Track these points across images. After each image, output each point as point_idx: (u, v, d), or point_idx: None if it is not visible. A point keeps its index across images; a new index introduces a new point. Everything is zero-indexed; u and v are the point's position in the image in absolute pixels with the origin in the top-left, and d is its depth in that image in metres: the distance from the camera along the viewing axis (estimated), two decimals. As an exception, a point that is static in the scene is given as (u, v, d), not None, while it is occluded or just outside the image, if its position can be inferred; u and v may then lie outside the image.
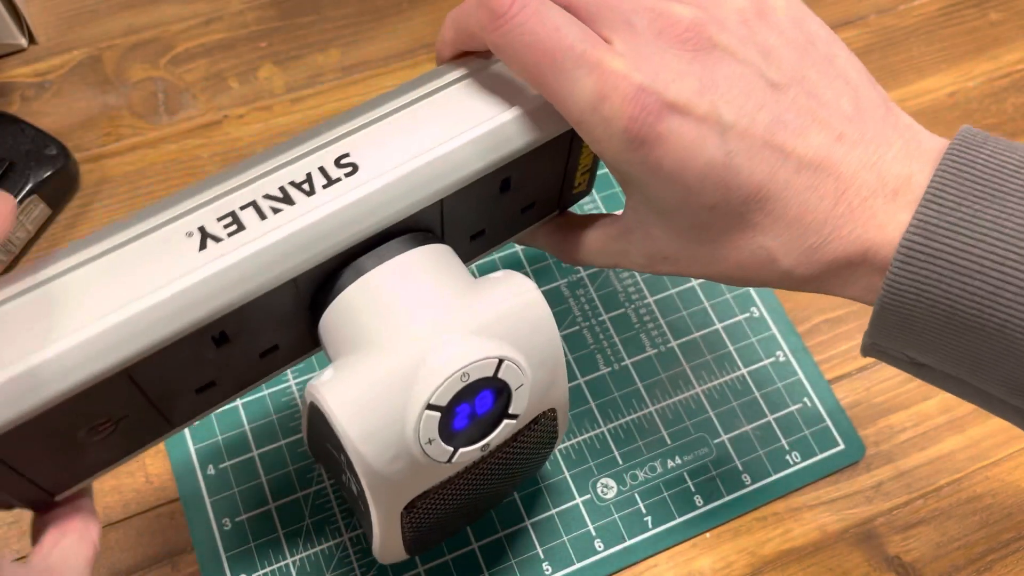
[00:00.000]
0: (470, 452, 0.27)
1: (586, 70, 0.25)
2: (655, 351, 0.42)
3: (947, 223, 0.23)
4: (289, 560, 0.37)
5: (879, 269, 0.24)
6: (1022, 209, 0.23)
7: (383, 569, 0.37)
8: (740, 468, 0.40)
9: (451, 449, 0.27)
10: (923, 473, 0.40)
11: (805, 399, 0.41)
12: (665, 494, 0.39)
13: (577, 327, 0.43)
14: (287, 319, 0.28)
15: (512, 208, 0.31)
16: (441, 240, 0.29)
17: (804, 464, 0.40)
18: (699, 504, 0.39)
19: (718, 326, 0.43)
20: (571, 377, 0.41)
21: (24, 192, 0.42)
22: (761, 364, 0.42)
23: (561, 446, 0.40)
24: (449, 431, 0.27)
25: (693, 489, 0.39)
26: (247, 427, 0.39)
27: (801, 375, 0.42)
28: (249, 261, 0.25)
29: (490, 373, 0.26)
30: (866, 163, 0.24)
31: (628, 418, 0.41)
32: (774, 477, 0.40)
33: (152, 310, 0.24)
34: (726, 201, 0.25)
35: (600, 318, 0.43)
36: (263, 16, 0.51)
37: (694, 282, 0.44)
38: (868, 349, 0.27)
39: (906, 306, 0.24)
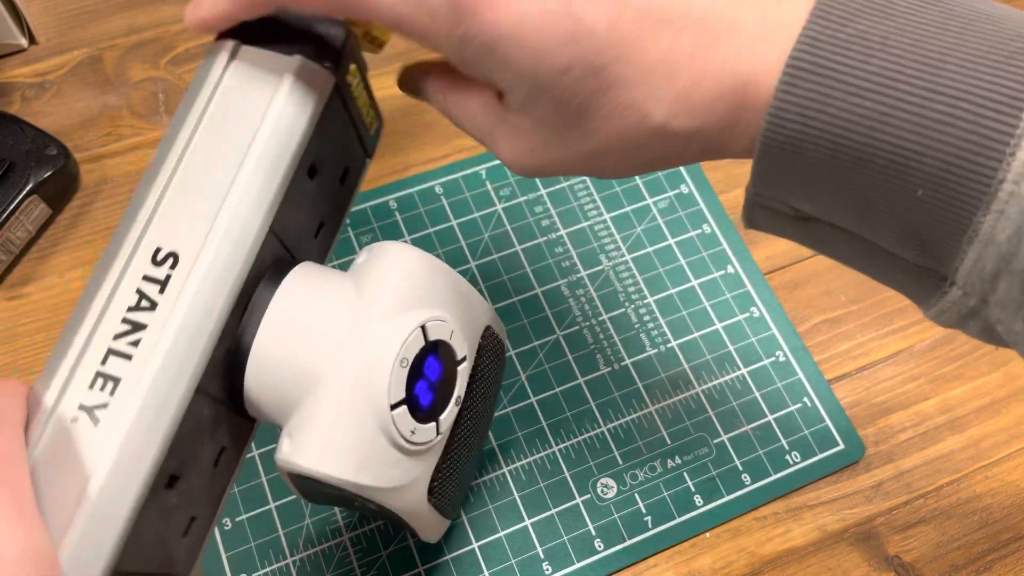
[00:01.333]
0: (449, 414, 0.28)
1: None
2: (655, 351, 0.42)
3: (835, 39, 0.21)
4: (289, 560, 0.37)
5: (763, 110, 0.22)
6: (913, 24, 0.21)
7: (383, 569, 0.37)
8: (740, 468, 0.40)
9: (433, 424, 0.27)
10: (923, 473, 0.40)
11: (805, 399, 0.41)
12: (665, 494, 0.39)
13: (577, 327, 0.43)
14: (217, 423, 0.26)
15: (331, 187, 0.30)
16: (292, 258, 0.28)
17: (804, 464, 0.40)
18: (699, 504, 0.39)
19: (718, 326, 0.43)
20: (571, 377, 0.41)
21: (24, 192, 0.42)
22: (761, 364, 0.42)
23: (561, 445, 0.40)
24: (421, 412, 0.27)
25: (693, 489, 0.39)
26: (247, 427, 0.40)
27: (801, 375, 0.42)
28: (146, 406, 0.23)
29: (422, 343, 0.26)
30: None
31: (628, 418, 0.41)
32: (774, 477, 0.40)
33: (96, 509, 0.22)
34: (579, 58, 0.23)
35: (600, 318, 0.43)
36: (263, 16, 0.51)
37: (694, 281, 0.44)
38: (751, 210, 0.25)
39: (792, 139, 0.22)
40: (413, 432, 0.26)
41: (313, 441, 0.25)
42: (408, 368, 0.26)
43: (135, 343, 0.23)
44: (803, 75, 0.21)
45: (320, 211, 0.30)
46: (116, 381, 0.23)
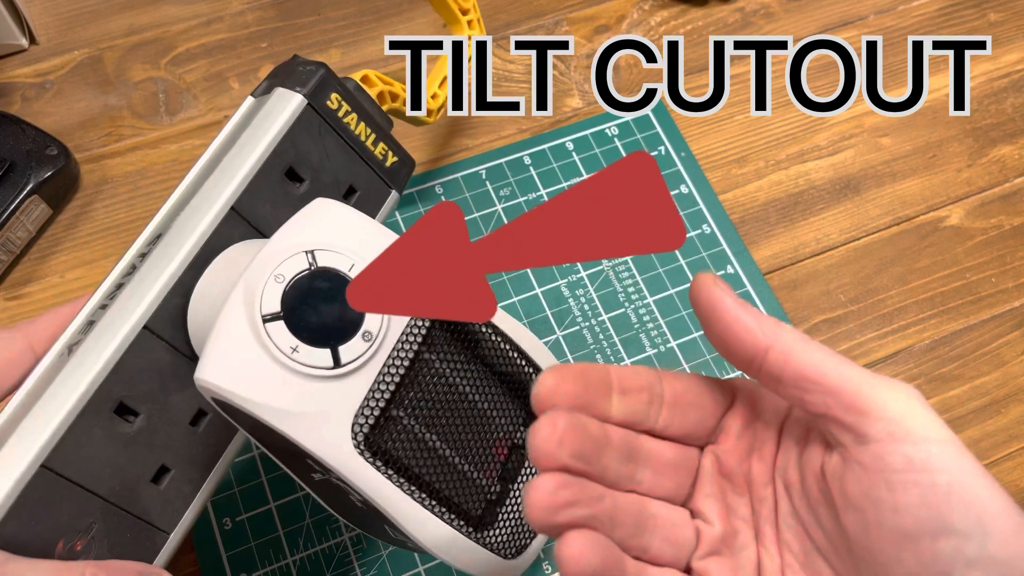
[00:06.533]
0: (354, 346, 0.27)
1: None
2: (655, 351, 0.42)
3: None
4: (289, 560, 0.37)
5: None
6: None
7: (383, 569, 0.37)
8: (740, 468, 0.40)
9: (328, 351, 0.27)
10: (923, 473, 0.40)
11: (805, 399, 0.41)
12: (665, 494, 0.39)
13: (577, 327, 0.43)
14: (180, 376, 0.30)
15: (328, 196, 0.32)
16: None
17: (804, 464, 0.40)
18: (699, 504, 0.39)
19: (718, 326, 0.43)
20: (571, 377, 0.41)
21: (25, 192, 0.42)
22: (761, 364, 0.42)
23: (561, 446, 0.40)
24: (308, 333, 0.27)
25: (693, 489, 0.39)
26: (247, 427, 0.40)
27: (801, 375, 0.42)
28: (97, 335, 0.28)
29: (306, 265, 0.27)
30: None
31: (628, 418, 0.41)
32: (774, 477, 0.40)
33: (40, 409, 0.27)
34: None
35: (600, 318, 0.43)
36: (264, 17, 0.51)
37: (694, 282, 0.44)
38: None
39: None
40: (295, 350, 0.26)
41: (207, 356, 0.26)
42: (286, 284, 0.27)
43: (114, 297, 0.29)
44: None
45: None
46: (92, 323, 0.29)
